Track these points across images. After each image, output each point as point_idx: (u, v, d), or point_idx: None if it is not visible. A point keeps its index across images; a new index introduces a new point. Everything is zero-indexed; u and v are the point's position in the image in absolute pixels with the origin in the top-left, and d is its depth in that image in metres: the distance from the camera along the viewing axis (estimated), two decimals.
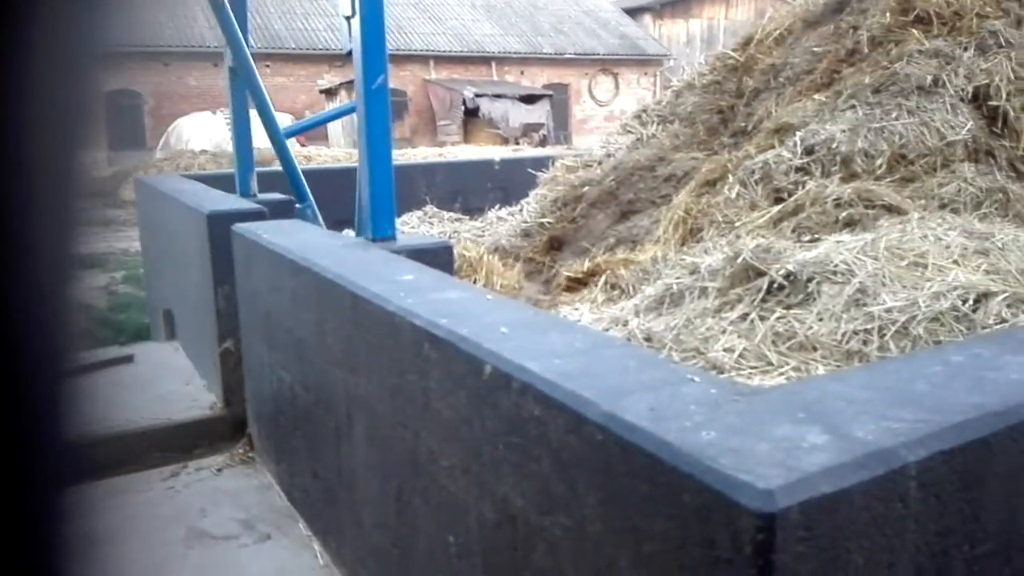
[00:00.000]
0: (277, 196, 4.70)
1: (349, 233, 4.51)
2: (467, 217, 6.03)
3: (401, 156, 14.64)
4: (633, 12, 31.97)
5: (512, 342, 1.66)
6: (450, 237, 5.28)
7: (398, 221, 5.90)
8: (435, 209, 6.07)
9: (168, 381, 3.80)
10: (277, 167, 4.95)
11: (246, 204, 3.94)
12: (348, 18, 3.00)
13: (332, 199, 5.21)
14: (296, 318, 2.70)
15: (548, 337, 1.68)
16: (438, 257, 2.85)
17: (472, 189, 7.01)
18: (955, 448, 1.14)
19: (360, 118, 2.99)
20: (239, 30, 4.27)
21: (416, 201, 6.17)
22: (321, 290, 2.43)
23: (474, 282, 4.59)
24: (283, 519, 2.85)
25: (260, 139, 4.69)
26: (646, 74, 30.32)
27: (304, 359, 2.69)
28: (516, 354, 1.56)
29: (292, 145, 5.52)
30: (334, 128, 21.07)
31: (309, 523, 2.80)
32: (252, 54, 4.52)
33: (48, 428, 0.43)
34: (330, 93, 22.42)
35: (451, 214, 6.02)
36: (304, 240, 2.90)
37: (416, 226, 5.70)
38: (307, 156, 13.91)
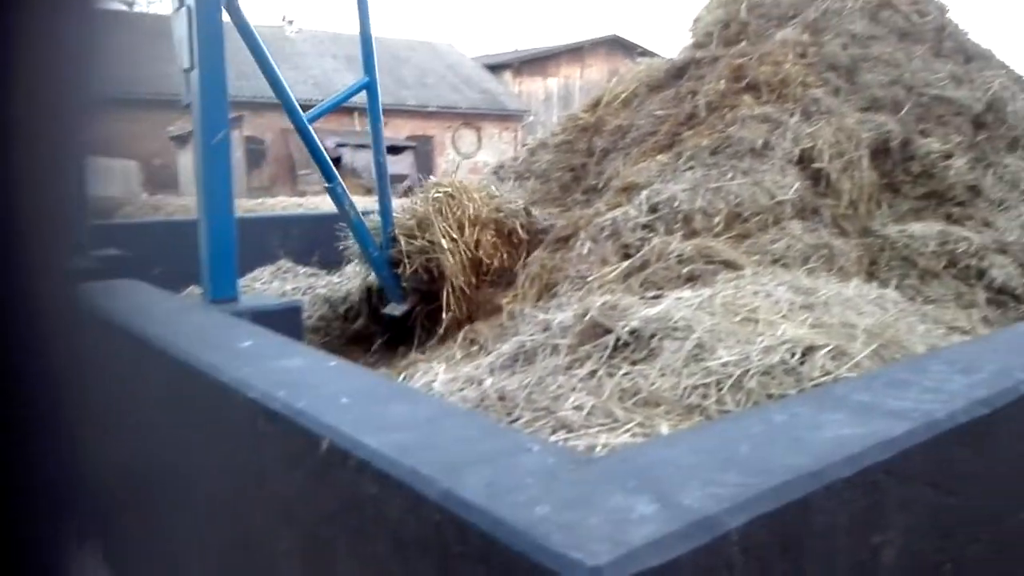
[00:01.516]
0: (112, 251, 4.41)
1: (196, 291, 4.29)
2: (324, 272, 5.88)
3: (259, 206, 14.20)
4: (494, 69, 32.93)
5: (352, 414, 1.60)
6: (304, 294, 5.13)
7: (248, 277, 5.73)
8: (290, 264, 5.89)
9: None
10: (116, 220, 4.68)
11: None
12: (187, 71, 2.89)
13: (181, 255, 4.93)
14: (122, 389, 2.50)
15: (391, 408, 1.64)
16: (284, 319, 2.75)
17: (331, 242, 6.86)
18: (774, 511, 1.19)
19: (199, 173, 2.87)
20: None
21: (270, 255, 5.97)
22: (149, 359, 2.27)
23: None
24: None
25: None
26: (507, 128, 31.16)
27: (131, 434, 2.49)
28: (355, 428, 1.50)
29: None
30: (184, 176, 20.22)
31: None
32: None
33: None
34: (181, 140, 21.55)
35: (307, 269, 5.85)
36: (135, 303, 2.72)
37: (268, 282, 5.50)
38: (154, 206, 13.18)
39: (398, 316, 4.86)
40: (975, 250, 4.74)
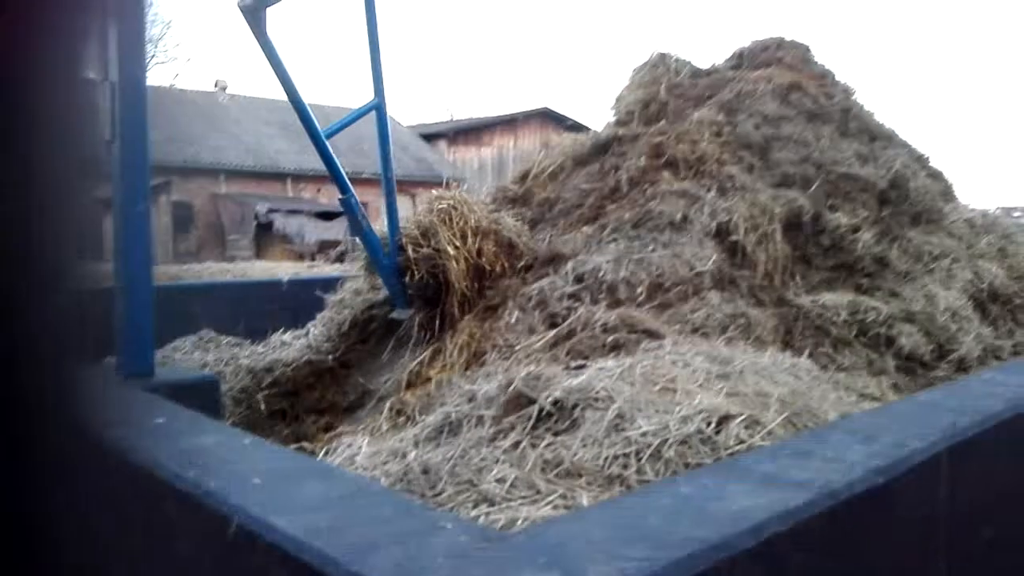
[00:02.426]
0: None
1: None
2: (248, 341, 5.76)
3: (184, 272, 13.88)
4: (429, 137, 33.44)
5: (264, 494, 1.57)
6: (226, 364, 5.01)
7: (169, 347, 5.57)
8: (212, 333, 5.75)
9: None
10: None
11: None
12: (109, 142, 2.87)
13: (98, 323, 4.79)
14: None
15: (304, 486, 1.62)
16: (201, 393, 2.68)
17: (257, 310, 6.75)
18: None
19: (117, 243, 2.82)
20: None
21: (192, 325, 5.83)
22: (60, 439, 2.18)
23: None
24: None
25: None
26: None
27: (56, 520, 2.37)
28: (265, 509, 1.48)
29: None
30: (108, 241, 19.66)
31: None
32: None
33: None
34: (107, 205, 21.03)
35: (230, 338, 5.73)
36: None
37: (189, 353, 5.36)
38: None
39: (404, 319, 5.24)
40: (884, 319, 4.99)
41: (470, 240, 5.01)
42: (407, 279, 5.06)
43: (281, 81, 4.61)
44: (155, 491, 1.70)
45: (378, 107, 5.22)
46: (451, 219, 5.05)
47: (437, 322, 5.01)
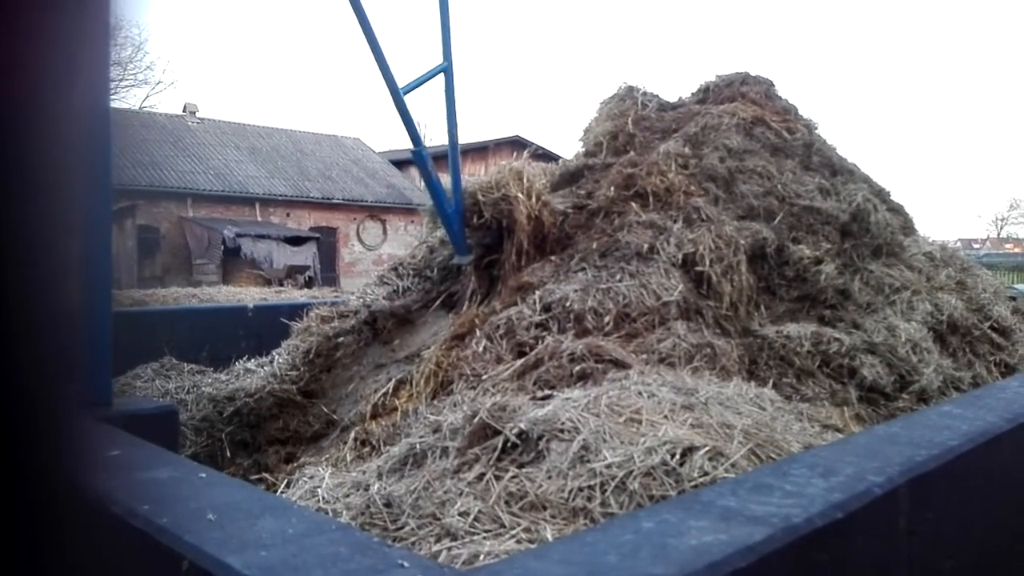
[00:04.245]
0: None
1: None
2: (211, 369, 5.67)
3: (149, 297, 13.66)
4: (400, 164, 33.46)
5: (218, 531, 1.54)
6: (188, 392, 4.92)
7: (130, 375, 5.45)
8: (174, 361, 5.65)
9: None
10: None
11: None
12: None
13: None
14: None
15: (259, 523, 1.59)
16: (159, 423, 2.63)
17: (222, 337, 6.65)
18: None
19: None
20: None
21: (155, 351, 5.72)
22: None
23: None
24: None
25: None
26: (413, 222, 31.43)
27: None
28: (219, 547, 1.45)
29: None
30: None
31: None
32: None
33: None
34: None
35: (193, 366, 5.63)
36: None
37: (150, 380, 5.25)
38: None
39: (465, 264, 5.68)
40: (846, 350, 5.05)
41: (533, 199, 5.44)
42: (474, 221, 5.48)
43: (365, 33, 5.00)
44: (109, 527, 1.65)
45: (446, 70, 5.67)
46: (520, 178, 5.51)
47: (496, 270, 5.46)
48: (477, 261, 5.64)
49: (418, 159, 5.56)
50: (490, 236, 5.55)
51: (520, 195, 5.35)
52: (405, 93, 5.26)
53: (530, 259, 5.36)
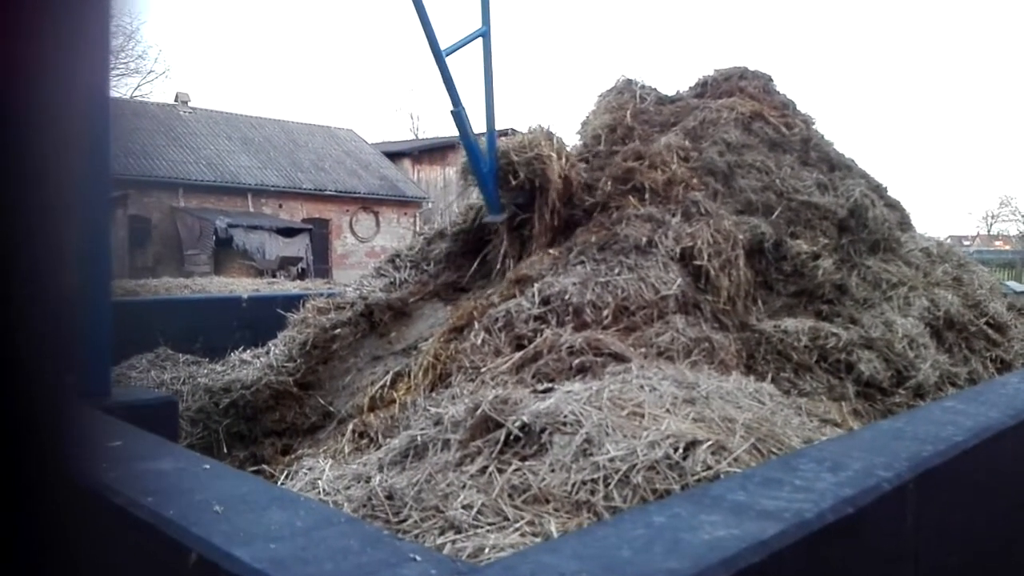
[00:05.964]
0: None
1: None
2: (207, 360, 5.63)
3: (140, 287, 13.57)
4: (393, 156, 33.36)
5: (225, 524, 1.52)
6: (184, 383, 4.88)
7: (125, 365, 5.41)
8: (169, 351, 5.61)
9: None
10: None
11: None
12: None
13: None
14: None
15: (267, 515, 1.57)
16: (158, 414, 2.60)
17: (216, 328, 6.61)
18: None
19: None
20: None
21: (149, 342, 5.68)
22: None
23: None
24: None
25: None
26: (406, 214, 31.38)
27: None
28: (227, 539, 1.43)
29: None
30: None
31: None
32: None
33: None
34: None
35: (188, 356, 5.59)
36: None
37: (145, 371, 5.21)
38: None
39: (498, 222, 5.82)
40: (844, 345, 5.06)
41: (564, 159, 5.68)
42: (511, 181, 5.60)
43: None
44: (113, 519, 1.63)
45: (485, 34, 5.78)
46: (551, 138, 5.77)
47: (527, 229, 5.65)
48: (508, 221, 5.77)
49: (457, 119, 5.62)
50: (522, 196, 5.69)
51: (552, 154, 5.53)
52: (448, 55, 5.35)
53: (561, 218, 5.58)
